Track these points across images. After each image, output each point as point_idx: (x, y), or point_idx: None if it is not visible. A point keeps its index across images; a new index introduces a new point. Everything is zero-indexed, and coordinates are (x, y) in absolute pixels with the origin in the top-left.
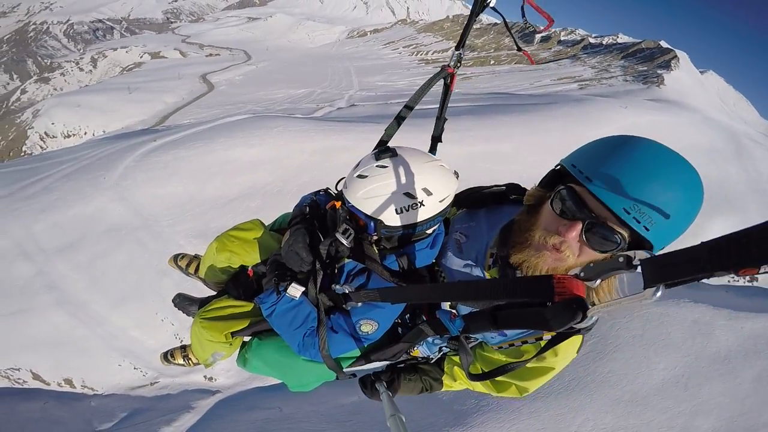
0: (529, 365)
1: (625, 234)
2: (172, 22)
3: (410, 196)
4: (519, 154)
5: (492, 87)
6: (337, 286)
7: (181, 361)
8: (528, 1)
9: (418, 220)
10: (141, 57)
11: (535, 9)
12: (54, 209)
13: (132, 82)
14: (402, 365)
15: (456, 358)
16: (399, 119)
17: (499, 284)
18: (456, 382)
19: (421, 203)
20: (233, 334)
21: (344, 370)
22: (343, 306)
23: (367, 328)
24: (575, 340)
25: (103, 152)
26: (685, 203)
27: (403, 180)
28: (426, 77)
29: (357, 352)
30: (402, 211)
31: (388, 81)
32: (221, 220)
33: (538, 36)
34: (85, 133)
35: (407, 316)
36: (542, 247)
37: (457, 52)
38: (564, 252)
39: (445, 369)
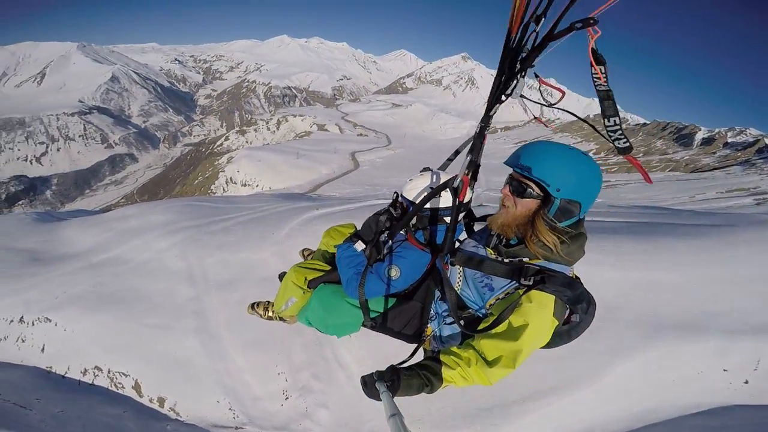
0: (511, 320)
1: (531, 183)
2: (337, 99)
3: (428, 189)
4: (692, 286)
5: (642, 199)
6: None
7: (260, 312)
8: (540, 81)
9: (439, 206)
10: (311, 127)
11: (545, 84)
12: (227, 249)
13: (301, 149)
14: (403, 365)
15: (455, 348)
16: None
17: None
18: (455, 370)
19: (434, 194)
20: (311, 281)
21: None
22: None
23: (393, 272)
24: (547, 297)
25: (275, 209)
26: (553, 164)
27: (432, 181)
28: None
29: (382, 302)
30: (426, 195)
31: None
32: None
33: (697, 137)
34: (257, 186)
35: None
36: (500, 208)
37: (468, 158)
38: (507, 205)
39: (443, 359)
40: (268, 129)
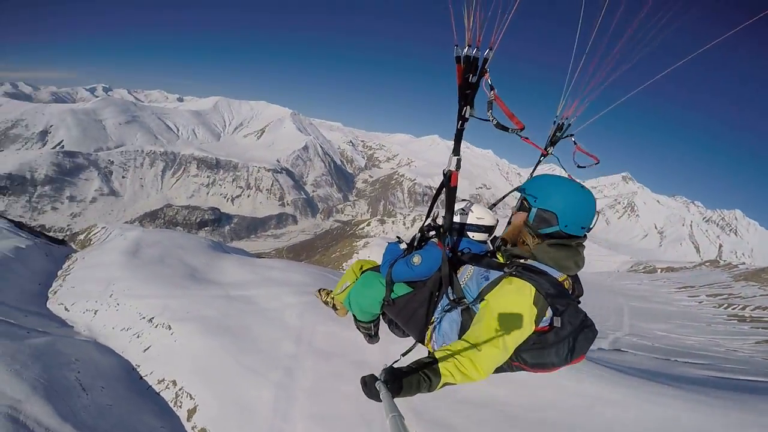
0: (491, 304)
1: (523, 200)
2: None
3: (462, 209)
4: None
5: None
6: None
7: (323, 296)
8: (578, 148)
9: (466, 222)
10: None
11: (581, 152)
12: (338, 323)
13: None
14: (404, 367)
15: (448, 345)
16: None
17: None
18: (450, 362)
19: (466, 213)
20: (364, 269)
21: (392, 297)
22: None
23: (415, 259)
24: (525, 284)
25: None
26: (538, 182)
27: (463, 206)
28: (738, 338)
29: (403, 288)
30: (458, 214)
31: (673, 333)
32: None
33: None
34: None
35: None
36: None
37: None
38: (511, 220)
39: (438, 355)
40: (404, 224)
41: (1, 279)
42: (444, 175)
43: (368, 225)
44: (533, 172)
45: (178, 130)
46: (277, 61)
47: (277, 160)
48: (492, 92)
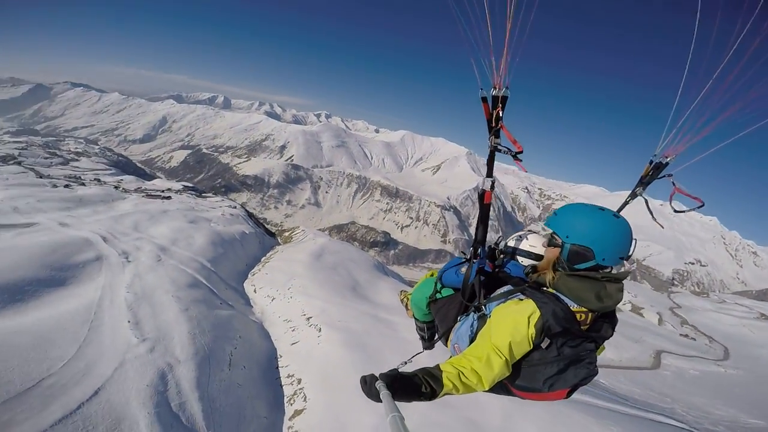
0: (494, 318)
1: (553, 235)
2: (674, 284)
3: (520, 235)
4: None
5: None
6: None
7: (401, 297)
8: (677, 189)
9: (517, 247)
10: (623, 305)
11: (682, 193)
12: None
13: None
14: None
15: (455, 358)
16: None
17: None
18: (454, 371)
19: (521, 239)
20: (434, 275)
21: (437, 297)
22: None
23: (463, 269)
24: (528, 302)
25: None
26: (566, 217)
27: (522, 232)
28: None
29: (449, 292)
30: (514, 239)
31: None
32: None
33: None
34: None
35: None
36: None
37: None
38: (544, 254)
39: (442, 366)
40: None
41: (224, 255)
42: (478, 195)
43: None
44: (621, 209)
45: (371, 158)
46: (457, 99)
47: (447, 197)
48: (500, 122)
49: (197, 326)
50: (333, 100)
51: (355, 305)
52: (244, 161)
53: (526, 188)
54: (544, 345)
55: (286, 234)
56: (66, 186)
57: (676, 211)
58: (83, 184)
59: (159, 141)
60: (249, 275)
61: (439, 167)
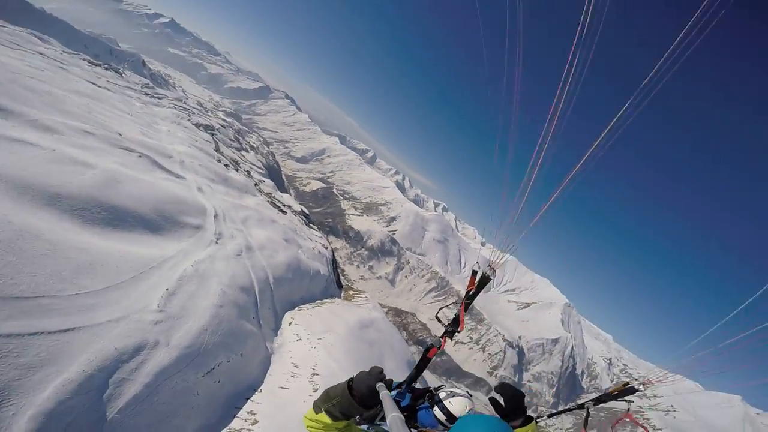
0: None
1: None
2: None
3: (452, 392)
4: None
5: None
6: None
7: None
8: (634, 421)
9: (441, 400)
10: None
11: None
12: None
13: None
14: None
15: None
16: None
17: None
18: None
19: (450, 397)
20: None
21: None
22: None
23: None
24: None
25: None
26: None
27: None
28: None
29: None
30: (444, 392)
31: None
32: None
33: None
34: None
35: None
36: None
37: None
38: None
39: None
40: None
41: (290, 280)
42: (425, 347)
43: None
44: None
45: (464, 266)
46: (581, 245)
47: (519, 337)
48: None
49: (215, 325)
50: (455, 195)
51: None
52: (357, 215)
53: (610, 360)
54: None
55: (352, 293)
56: (225, 165)
57: None
58: (236, 170)
59: (309, 166)
60: (296, 308)
61: (528, 305)
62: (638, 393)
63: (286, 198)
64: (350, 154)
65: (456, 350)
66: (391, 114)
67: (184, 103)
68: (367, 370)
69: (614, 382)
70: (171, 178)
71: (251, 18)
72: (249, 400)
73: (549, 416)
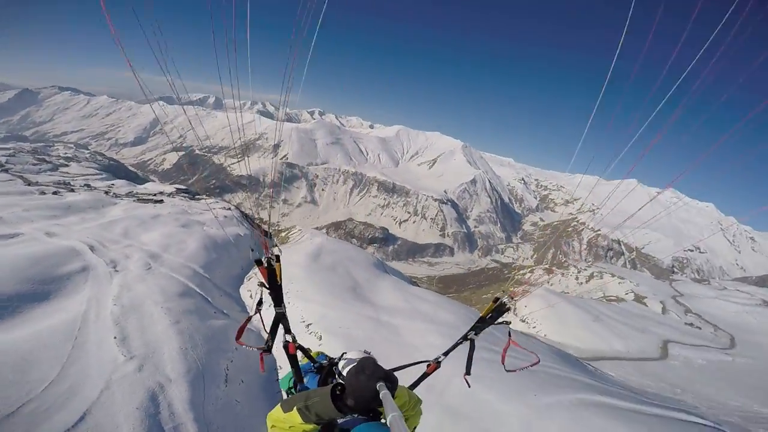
0: None
1: None
2: (674, 272)
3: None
4: None
5: None
6: None
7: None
8: (512, 342)
9: (335, 363)
10: (626, 293)
11: (518, 347)
12: (481, 382)
13: (602, 312)
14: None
15: None
16: None
17: None
18: None
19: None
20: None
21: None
22: None
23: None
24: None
25: (549, 368)
26: None
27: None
28: None
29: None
30: (344, 360)
31: None
32: None
33: None
34: (534, 327)
35: None
36: None
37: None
38: None
39: None
40: (576, 279)
41: (218, 259)
42: (283, 346)
43: (531, 272)
44: (448, 352)
45: (367, 154)
46: (452, 93)
47: (445, 191)
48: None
49: (189, 340)
50: (325, 96)
51: (356, 309)
52: (238, 161)
53: (523, 179)
54: None
55: (283, 234)
56: (54, 193)
57: (507, 371)
58: (72, 190)
59: (151, 143)
60: (245, 279)
61: (435, 161)
62: (533, 211)
63: (151, 186)
64: (189, 110)
65: (404, 230)
66: (209, 45)
67: None
68: (354, 355)
69: (537, 199)
70: (6, 242)
71: None
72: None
73: (445, 354)
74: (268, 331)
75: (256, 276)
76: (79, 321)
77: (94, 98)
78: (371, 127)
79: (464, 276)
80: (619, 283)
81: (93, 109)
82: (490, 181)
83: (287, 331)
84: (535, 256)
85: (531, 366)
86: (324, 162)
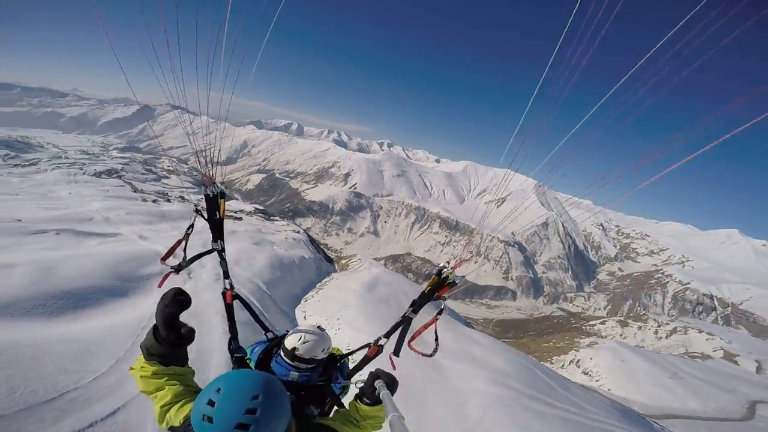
0: None
1: None
2: None
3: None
4: None
5: None
6: None
7: None
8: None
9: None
10: (714, 351)
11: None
12: None
13: (681, 369)
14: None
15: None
16: None
17: None
18: None
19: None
20: None
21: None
22: None
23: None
24: None
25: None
26: None
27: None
28: None
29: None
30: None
31: None
32: None
33: None
34: (597, 381)
35: None
36: None
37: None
38: None
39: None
40: (656, 333)
41: (281, 278)
42: (222, 293)
43: (603, 323)
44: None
45: (431, 188)
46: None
47: (512, 233)
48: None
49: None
50: (393, 127)
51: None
52: (312, 187)
53: (601, 225)
54: None
55: (344, 261)
56: (154, 201)
57: (425, 355)
58: (168, 200)
59: (239, 164)
60: (302, 301)
61: (504, 200)
62: (611, 260)
63: (234, 204)
64: (274, 135)
65: (464, 269)
66: (297, 76)
67: (66, 158)
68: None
69: (617, 247)
70: (105, 240)
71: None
72: None
73: (386, 336)
74: (189, 256)
75: (312, 297)
76: (145, 320)
77: (197, 118)
78: (437, 161)
79: (525, 322)
80: (707, 339)
81: (195, 127)
82: (564, 225)
83: (226, 275)
84: (609, 306)
85: (425, 355)
86: (389, 194)
